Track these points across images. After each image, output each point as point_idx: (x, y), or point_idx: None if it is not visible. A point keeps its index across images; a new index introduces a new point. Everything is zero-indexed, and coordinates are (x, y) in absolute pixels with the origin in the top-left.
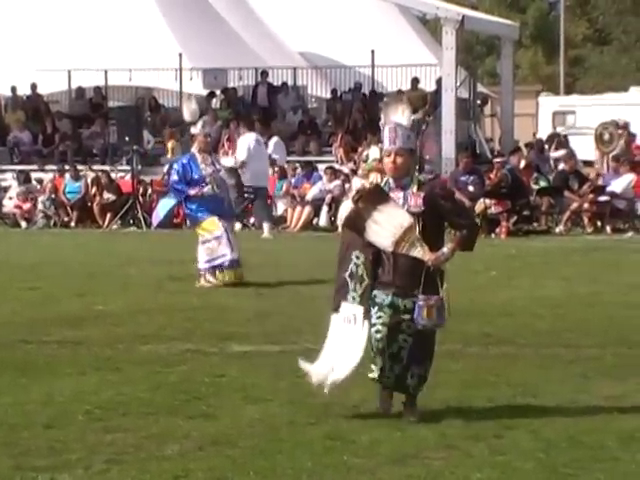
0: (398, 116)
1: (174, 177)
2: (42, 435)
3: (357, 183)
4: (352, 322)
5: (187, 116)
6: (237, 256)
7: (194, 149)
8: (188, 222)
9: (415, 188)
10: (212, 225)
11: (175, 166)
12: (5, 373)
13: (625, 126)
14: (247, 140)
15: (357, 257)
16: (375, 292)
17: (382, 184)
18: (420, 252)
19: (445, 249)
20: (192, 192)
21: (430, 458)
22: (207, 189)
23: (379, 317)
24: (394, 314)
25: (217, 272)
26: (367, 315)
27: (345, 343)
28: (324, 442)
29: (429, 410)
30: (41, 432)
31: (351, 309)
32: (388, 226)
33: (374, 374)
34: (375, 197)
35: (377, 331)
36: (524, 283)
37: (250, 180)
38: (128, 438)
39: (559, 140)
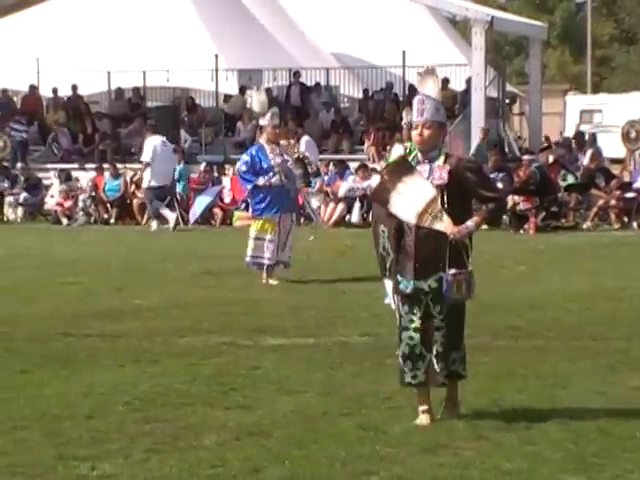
0: (428, 88)
1: (242, 167)
2: (83, 425)
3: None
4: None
5: (256, 107)
6: (283, 258)
7: (262, 140)
8: (250, 211)
9: (442, 161)
10: (269, 226)
11: (244, 157)
12: (48, 365)
13: None
14: (152, 143)
15: (383, 231)
16: (398, 277)
17: (410, 157)
18: (443, 225)
19: (469, 222)
20: (260, 182)
21: (461, 448)
22: (275, 179)
23: (411, 321)
24: (425, 314)
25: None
26: (396, 289)
27: None
28: (357, 432)
29: (460, 401)
30: (82, 422)
31: (387, 284)
32: (411, 198)
33: (410, 378)
34: (400, 169)
35: (410, 337)
36: (552, 278)
37: (159, 180)
38: (167, 428)
39: (582, 140)
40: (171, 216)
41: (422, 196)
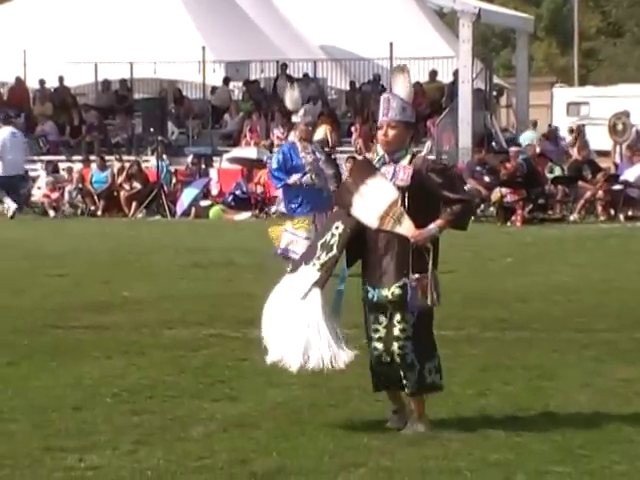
0: (398, 87)
1: (274, 165)
2: (71, 417)
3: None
4: (305, 298)
5: (289, 104)
6: None
7: (295, 137)
8: (283, 209)
9: (407, 161)
10: (303, 224)
11: (276, 153)
12: (35, 357)
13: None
14: (2, 134)
15: (336, 227)
16: (364, 286)
17: (376, 158)
18: (404, 229)
19: (432, 225)
20: (291, 181)
21: (448, 440)
22: (306, 178)
23: (376, 330)
24: (389, 324)
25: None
26: (322, 285)
27: (305, 324)
28: (345, 424)
29: (447, 393)
30: (70, 414)
31: (308, 273)
32: (373, 200)
33: (382, 386)
34: (363, 170)
35: (374, 348)
36: (539, 270)
37: (7, 170)
38: (154, 420)
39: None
40: (12, 206)
41: (383, 198)
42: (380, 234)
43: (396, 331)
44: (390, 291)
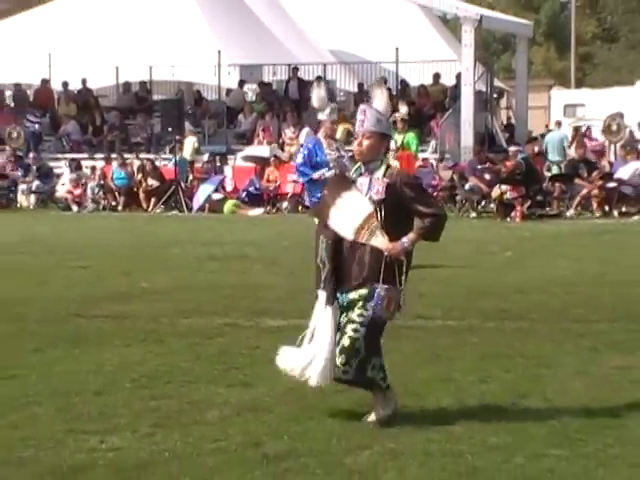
0: (377, 101)
1: (299, 160)
2: (93, 401)
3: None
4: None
5: (315, 102)
6: None
7: (320, 134)
8: (309, 206)
9: (381, 174)
10: None
11: (301, 149)
12: (59, 345)
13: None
14: None
15: (322, 242)
16: (338, 292)
17: (354, 169)
18: (379, 242)
19: (405, 239)
20: (315, 176)
21: (450, 424)
22: (330, 174)
23: (355, 330)
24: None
25: None
26: (330, 301)
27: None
28: (352, 409)
29: (450, 380)
30: (92, 399)
31: (321, 295)
32: (348, 213)
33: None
34: (339, 184)
35: (350, 337)
36: (537, 263)
37: None
38: (172, 404)
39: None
40: None
41: (359, 212)
42: (353, 244)
43: (354, 315)
44: (357, 293)
